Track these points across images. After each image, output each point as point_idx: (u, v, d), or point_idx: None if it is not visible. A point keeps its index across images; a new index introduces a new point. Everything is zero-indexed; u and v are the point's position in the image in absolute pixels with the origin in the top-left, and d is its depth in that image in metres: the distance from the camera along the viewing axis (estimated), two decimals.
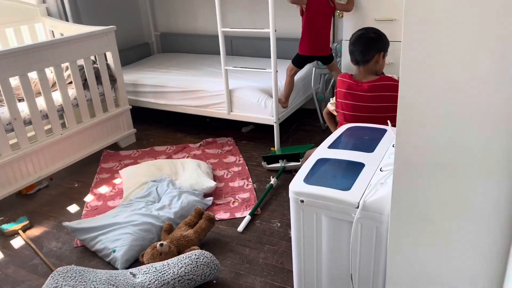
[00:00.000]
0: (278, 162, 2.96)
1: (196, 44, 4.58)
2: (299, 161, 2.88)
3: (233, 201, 2.64)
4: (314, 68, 3.54)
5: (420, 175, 1.03)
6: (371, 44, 1.93)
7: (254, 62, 3.96)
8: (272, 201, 2.63)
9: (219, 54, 4.33)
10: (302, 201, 1.36)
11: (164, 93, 3.61)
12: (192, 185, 2.64)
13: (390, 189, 1.25)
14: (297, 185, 1.38)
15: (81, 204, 2.74)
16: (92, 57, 3.21)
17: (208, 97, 3.41)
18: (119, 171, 3.01)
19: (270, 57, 4.07)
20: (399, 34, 2.75)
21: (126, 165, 3.18)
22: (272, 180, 2.76)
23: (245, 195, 2.70)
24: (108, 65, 3.33)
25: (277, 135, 3.18)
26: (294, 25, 3.86)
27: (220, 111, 3.39)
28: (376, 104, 1.91)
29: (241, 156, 3.24)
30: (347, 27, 3.10)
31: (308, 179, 1.41)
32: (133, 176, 2.80)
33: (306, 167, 1.49)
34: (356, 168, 1.46)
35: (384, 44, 1.96)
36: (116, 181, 2.99)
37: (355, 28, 3.09)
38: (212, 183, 2.65)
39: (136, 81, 3.73)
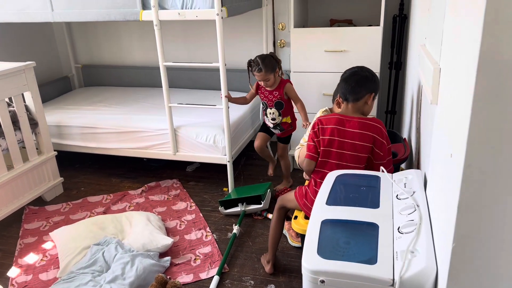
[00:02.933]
0: (237, 205, 2.71)
1: (123, 76, 4.19)
2: (260, 204, 2.65)
3: (194, 258, 2.32)
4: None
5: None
6: (364, 83, 1.81)
7: (192, 95, 3.70)
8: (238, 253, 2.36)
9: (152, 87, 4.06)
10: (322, 282, 1.14)
11: (95, 134, 3.18)
12: (144, 244, 2.28)
13: (426, 260, 1.08)
14: (313, 261, 1.16)
15: (5, 281, 2.22)
16: (7, 99, 2.71)
17: (148, 137, 3.06)
18: (50, 234, 2.53)
19: (208, 89, 3.91)
20: (348, 65, 2.66)
21: (57, 224, 2.70)
22: (235, 229, 2.49)
23: (206, 249, 2.40)
24: (27, 107, 2.84)
25: (231, 175, 2.93)
26: (235, 56, 3.69)
27: (164, 152, 3.05)
28: (362, 142, 1.77)
29: (191, 200, 2.92)
30: (295, 59, 2.99)
31: (322, 252, 1.19)
32: (70, 240, 2.35)
33: (312, 234, 1.27)
34: (369, 230, 1.28)
35: (376, 85, 1.86)
36: (46, 245, 2.50)
37: (304, 60, 3.01)
38: (168, 240, 2.31)
39: (60, 122, 3.25)
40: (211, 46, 3.79)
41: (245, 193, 2.74)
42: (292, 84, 2.78)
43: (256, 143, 2.91)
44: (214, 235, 2.52)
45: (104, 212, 2.80)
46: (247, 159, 3.56)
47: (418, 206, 1.30)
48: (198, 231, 2.56)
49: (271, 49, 3.59)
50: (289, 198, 2.02)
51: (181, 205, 2.87)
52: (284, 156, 2.97)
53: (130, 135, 3.10)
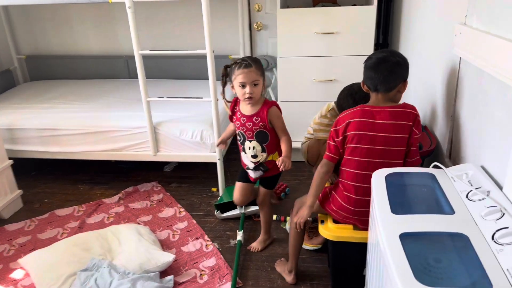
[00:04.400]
0: (234, 208, 2.45)
1: (78, 67, 3.70)
2: None
3: (200, 274, 2.05)
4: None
5: None
6: (398, 70, 1.59)
7: (163, 85, 3.33)
8: (247, 263, 2.12)
9: (113, 78, 3.62)
10: None
11: (56, 137, 2.75)
12: (141, 264, 1.96)
13: None
14: None
15: None
16: None
17: (122, 137, 2.69)
18: (19, 261, 2.12)
19: (182, 78, 3.57)
20: (340, 48, 2.43)
21: (23, 247, 2.29)
22: (239, 235, 2.25)
23: (211, 261, 2.13)
24: None
25: (222, 174, 2.65)
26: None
27: (142, 153, 2.70)
28: (396, 134, 1.58)
29: (179, 205, 2.62)
30: (282, 43, 2.75)
31: (417, 275, 0.99)
32: (48, 267, 1.97)
33: (397, 253, 1.06)
34: (458, 242, 1.10)
35: (408, 70, 1.65)
36: (16, 275, 2.10)
37: (292, 44, 2.77)
38: (169, 257, 2.01)
39: (11, 124, 2.77)
40: (180, 32, 3.44)
41: None
42: (279, 109, 1.93)
43: (236, 198, 2.14)
44: (215, 243, 2.26)
45: (80, 227, 2.42)
46: (229, 153, 3.28)
47: (505, 209, 1.14)
48: (196, 241, 2.28)
49: (247, 33, 3.31)
50: None
51: (168, 212, 2.56)
52: (265, 203, 2.14)
53: (100, 135, 2.71)
